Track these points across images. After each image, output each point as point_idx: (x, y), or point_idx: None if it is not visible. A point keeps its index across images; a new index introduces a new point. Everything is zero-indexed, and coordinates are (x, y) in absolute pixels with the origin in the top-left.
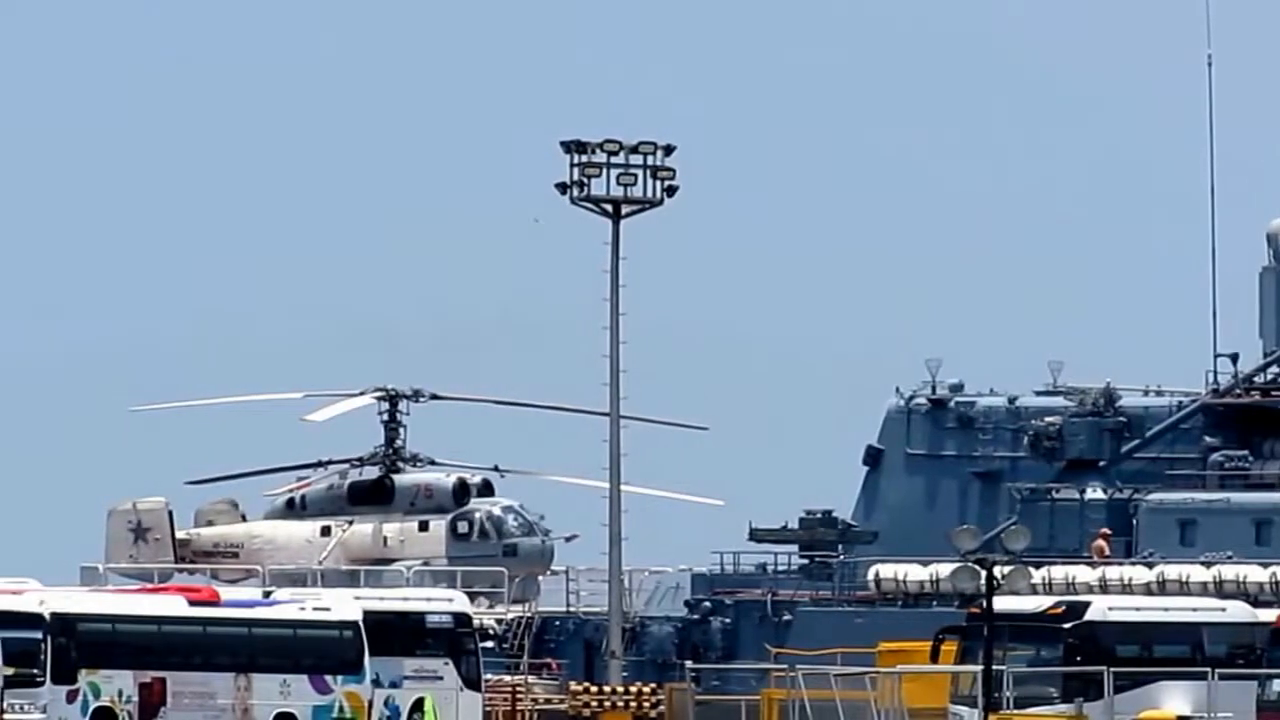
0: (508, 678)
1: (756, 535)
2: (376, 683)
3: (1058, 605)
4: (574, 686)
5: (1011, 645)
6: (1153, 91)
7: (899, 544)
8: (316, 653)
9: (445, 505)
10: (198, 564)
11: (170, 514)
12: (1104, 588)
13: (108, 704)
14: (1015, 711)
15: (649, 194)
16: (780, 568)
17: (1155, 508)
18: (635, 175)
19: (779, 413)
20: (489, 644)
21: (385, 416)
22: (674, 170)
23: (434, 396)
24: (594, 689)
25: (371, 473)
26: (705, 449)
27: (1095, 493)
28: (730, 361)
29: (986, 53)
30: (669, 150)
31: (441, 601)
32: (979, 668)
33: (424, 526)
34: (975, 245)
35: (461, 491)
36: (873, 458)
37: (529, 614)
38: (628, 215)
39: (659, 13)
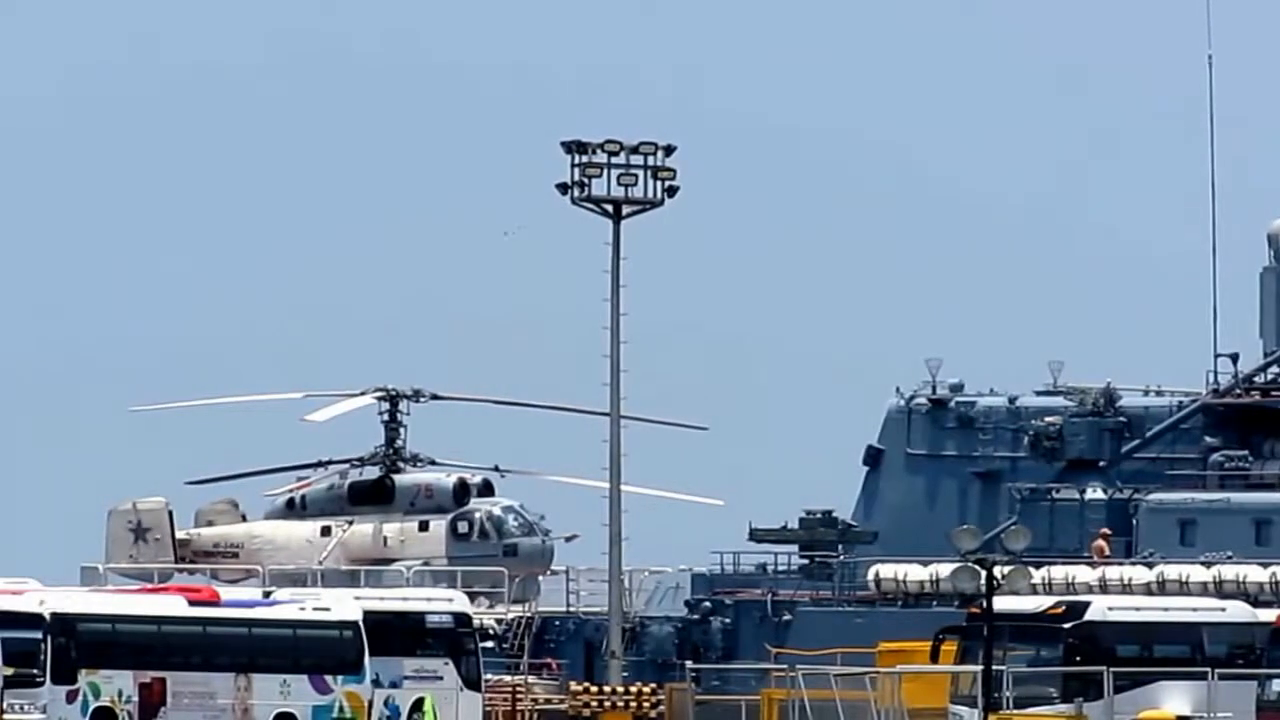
0: (508, 678)
1: (756, 535)
2: (376, 683)
3: (1058, 605)
4: (574, 686)
5: (1011, 645)
6: (1153, 91)
7: (899, 544)
8: (316, 653)
9: (445, 505)
10: (198, 564)
11: (170, 514)
12: (1104, 588)
13: (108, 704)
14: (1015, 711)
15: (649, 194)
16: (780, 568)
17: (1155, 508)
18: (635, 175)
19: (779, 413)
20: (489, 644)
21: (385, 416)
22: (674, 170)
23: (434, 396)
24: (594, 689)
25: (372, 473)
26: (705, 449)
27: (1095, 493)
28: (730, 361)
29: (986, 53)
30: (669, 150)
31: (441, 601)
32: (979, 668)
33: (424, 526)
34: (975, 245)
35: (461, 491)
36: (873, 458)
37: (529, 614)
38: (628, 215)
39: (659, 13)
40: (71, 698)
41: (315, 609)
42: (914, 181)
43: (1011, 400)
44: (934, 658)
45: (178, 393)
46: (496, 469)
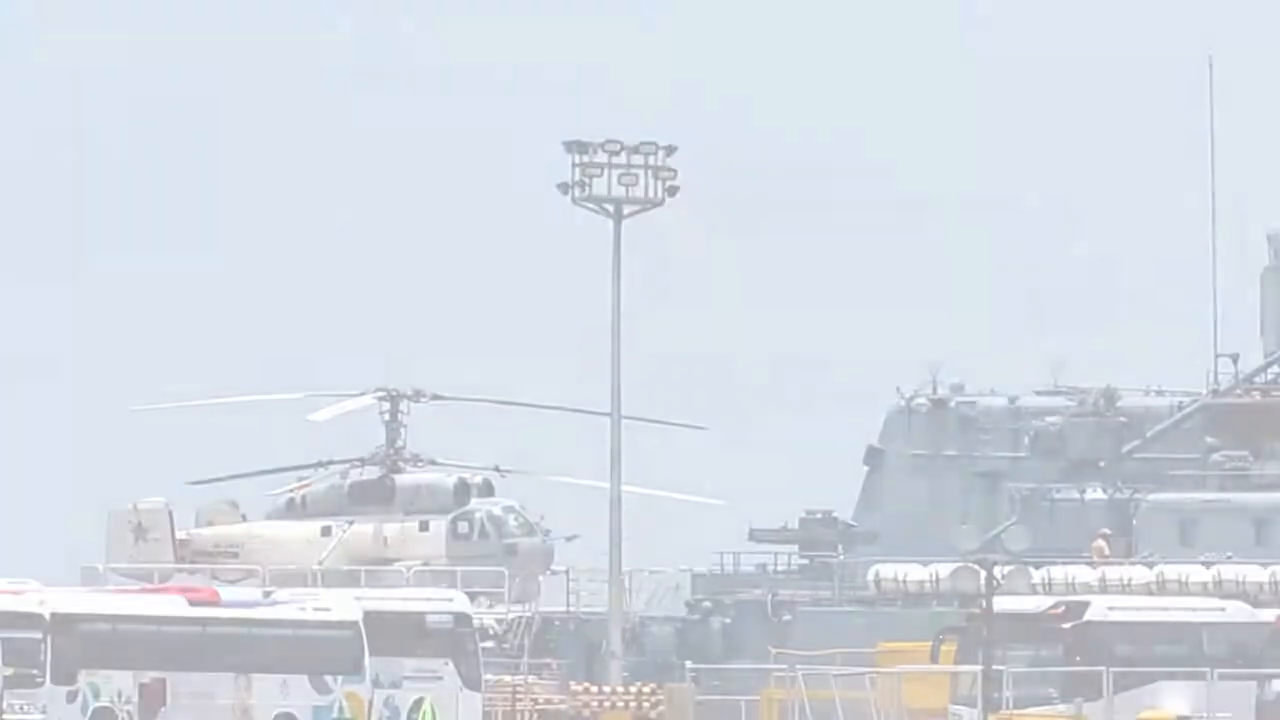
0: (508, 678)
1: (756, 535)
2: (376, 683)
3: (1058, 605)
4: (574, 686)
5: (1011, 645)
6: (1153, 92)
7: (899, 544)
8: (316, 653)
9: (445, 505)
10: (198, 564)
11: (170, 514)
12: (1104, 588)
13: (108, 704)
14: (1015, 711)
15: (650, 194)
16: (780, 568)
17: (1155, 508)
18: (636, 175)
19: (779, 413)
20: (489, 644)
21: (386, 416)
22: (675, 170)
23: (434, 396)
24: (594, 689)
25: (372, 473)
26: (705, 449)
27: (1095, 493)
28: (730, 361)
29: (986, 54)
30: (670, 150)
31: (441, 601)
32: (979, 668)
33: (424, 526)
34: (976, 246)
35: (461, 491)
36: (873, 458)
37: (529, 614)
38: (628, 215)
39: (659, 13)
40: (71, 698)
41: (315, 609)
42: (914, 181)
43: (1011, 400)
44: (934, 658)
45: (178, 393)
46: (496, 469)
